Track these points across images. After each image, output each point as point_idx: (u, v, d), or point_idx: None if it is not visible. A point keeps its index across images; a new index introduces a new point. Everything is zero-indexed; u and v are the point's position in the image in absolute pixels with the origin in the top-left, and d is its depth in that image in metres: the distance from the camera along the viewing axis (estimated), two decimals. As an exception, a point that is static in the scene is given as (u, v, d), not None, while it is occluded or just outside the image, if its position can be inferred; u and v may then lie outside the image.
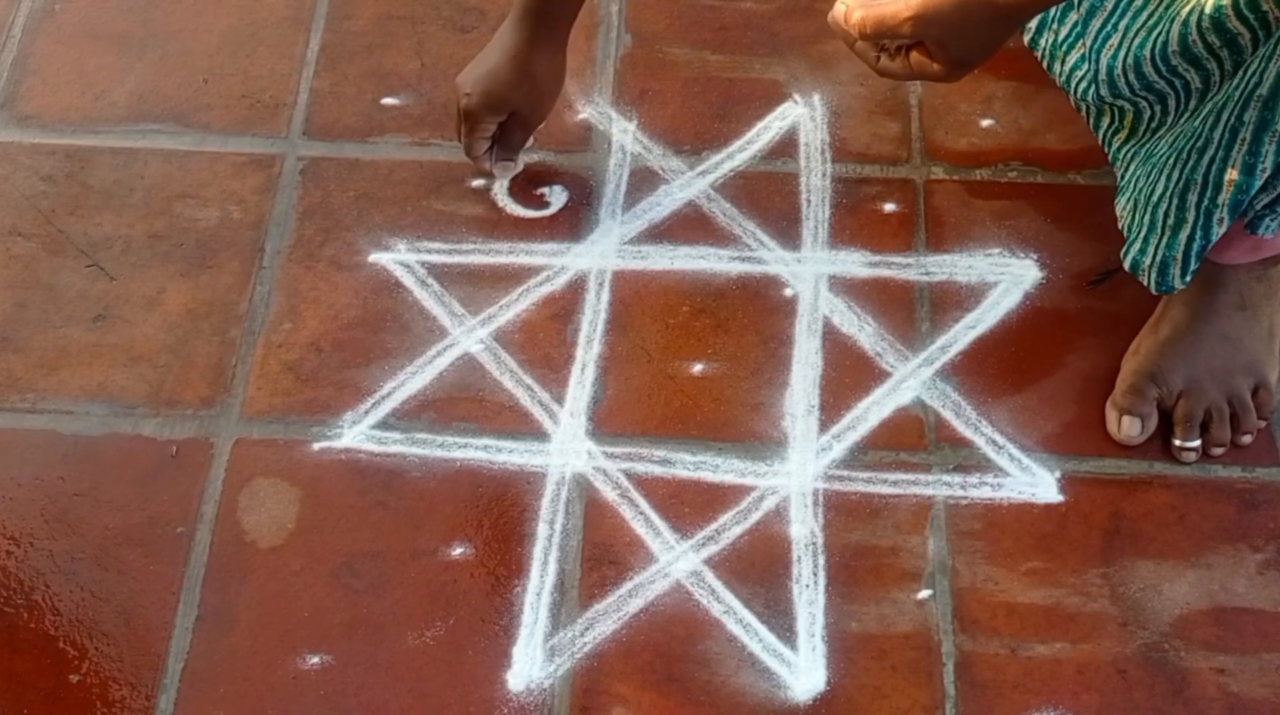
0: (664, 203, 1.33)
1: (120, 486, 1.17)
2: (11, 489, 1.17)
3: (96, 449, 1.19)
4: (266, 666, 1.09)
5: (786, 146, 1.37)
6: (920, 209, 1.33)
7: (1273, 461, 1.18)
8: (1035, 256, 1.30)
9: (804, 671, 1.08)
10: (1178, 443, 1.18)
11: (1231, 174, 1.04)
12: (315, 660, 1.09)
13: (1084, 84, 1.15)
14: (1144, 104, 1.12)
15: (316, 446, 1.19)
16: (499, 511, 1.16)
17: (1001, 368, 1.23)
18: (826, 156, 1.36)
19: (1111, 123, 1.17)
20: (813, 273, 1.29)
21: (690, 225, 1.32)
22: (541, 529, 1.15)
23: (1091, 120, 1.20)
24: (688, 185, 1.35)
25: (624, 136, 1.37)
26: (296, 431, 1.20)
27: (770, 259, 1.30)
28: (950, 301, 1.27)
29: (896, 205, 1.33)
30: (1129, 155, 1.16)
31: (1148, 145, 1.14)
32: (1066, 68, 1.16)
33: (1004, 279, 1.28)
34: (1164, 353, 1.18)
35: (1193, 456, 1.18)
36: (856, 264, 1.29)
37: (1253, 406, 1.18)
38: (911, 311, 1.27)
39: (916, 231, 1.31)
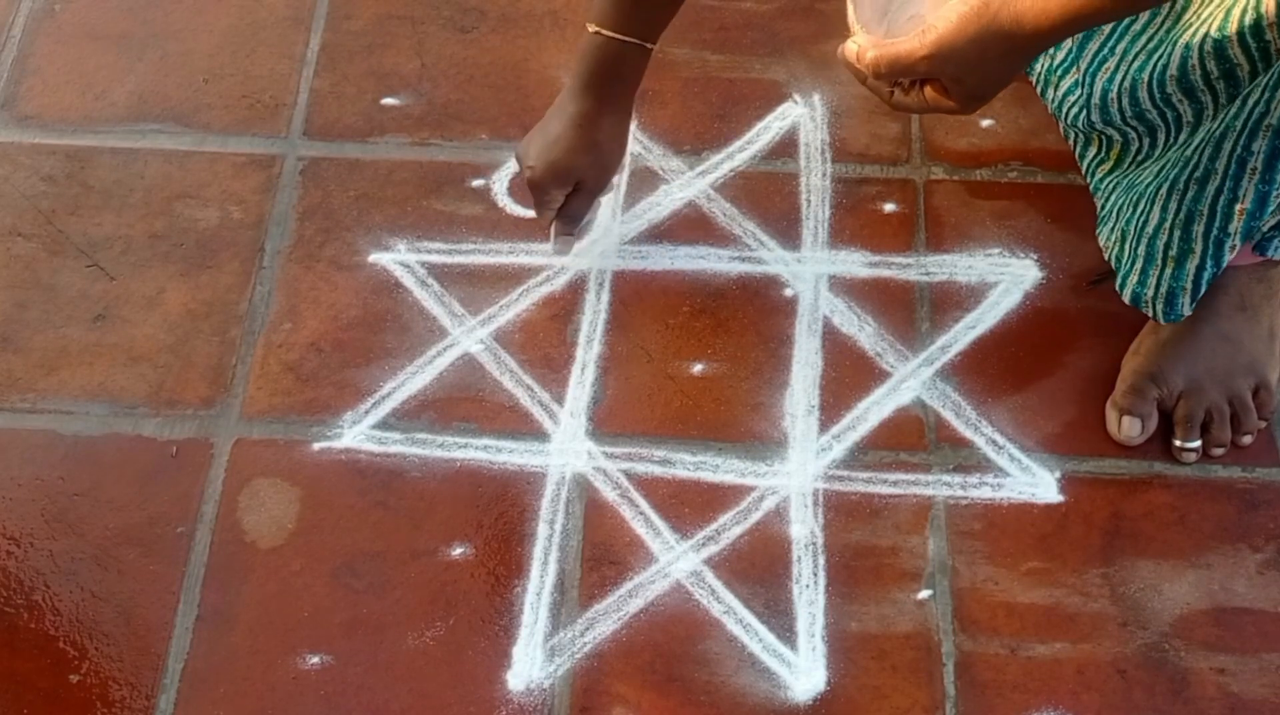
0: (664, 203, 1.33)
1: (120, 486, 1.17)
2: (11, 489, 1.17)
3: (96, 449, 1.19)
4: (266, 666, 1.09)
5: (786, 146, 1.37)
6: (920, 209, 1.33)
7: (1273, 461, 1.18)
8: (1035, 256, 1.29)
9: (804, 671, 1.08)
10: (1178, 443, 1.18)
11: (1243, 203, 1.04)
12: (315, 660, 1.09)
13: (1075, 109, 1.15)
14: (1133, 134, 1.12)
15: (316, 446, 1.19)
16: (499, 511, 1.16)
17: (1001, 368, 1.23)
18: (826, 156, 1.36)
19: (1098, 153, 1.17)
20: (813, 273, 1.29)
21: (690, 225, 1.32)
22: (541, 529, 1.15)
23: (1079, 149, 1.20)
24: (688, 185, 1.35)
25: (624, 136, 1.37)
26: (296, 431, 1.20)
27: (770, 259, 1.30)
28: (950, 301, 1.27)
29: (896, 205, 1.33)
30: (1110, 186, 1.16)
31: (1130, 176, 1.14)
32: (1059, 93, 1.16)
33: (1004, 279, 1.28)
34: (1164, 353, 1.18)
35: (1193, 457, 1.18)
36: (856, 264, 1.29)
37: (1253, 407, 1.18)
38: (911, 311, 1.27)
39: (916, 231, 1.31)
